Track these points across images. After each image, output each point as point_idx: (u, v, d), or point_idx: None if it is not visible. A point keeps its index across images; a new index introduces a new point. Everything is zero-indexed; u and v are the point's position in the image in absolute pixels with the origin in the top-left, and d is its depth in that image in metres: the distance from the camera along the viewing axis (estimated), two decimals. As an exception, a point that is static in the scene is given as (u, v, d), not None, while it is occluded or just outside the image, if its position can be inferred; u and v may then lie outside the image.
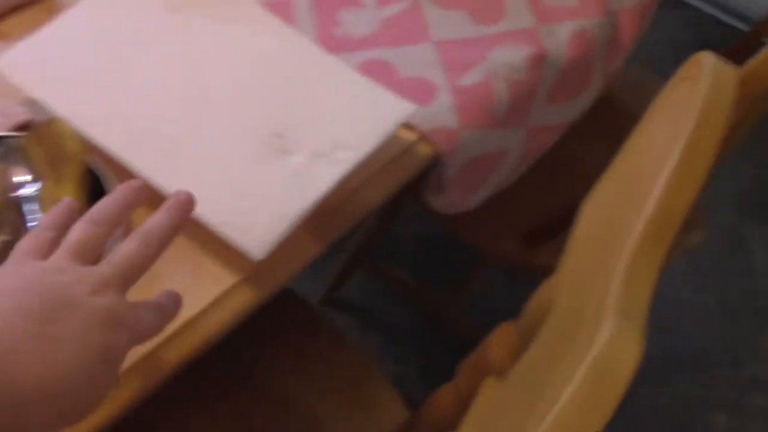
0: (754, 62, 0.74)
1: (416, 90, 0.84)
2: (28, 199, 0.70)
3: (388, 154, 0.80)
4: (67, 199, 0.54)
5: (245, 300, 0.70)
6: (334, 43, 0.88)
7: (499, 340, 0.75)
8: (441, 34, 0.89)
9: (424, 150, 0.82)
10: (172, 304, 0.53)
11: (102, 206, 0.51)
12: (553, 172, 1.22)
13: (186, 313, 0.68)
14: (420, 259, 1.71)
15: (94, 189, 0.66)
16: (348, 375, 1.01)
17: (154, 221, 0.52)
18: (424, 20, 0.91)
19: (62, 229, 0.51)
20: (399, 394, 0.99)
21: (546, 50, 0.89)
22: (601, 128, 1.19)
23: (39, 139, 0.69)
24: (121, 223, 0.53)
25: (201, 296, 0.69)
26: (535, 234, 1.18)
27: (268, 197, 0.69)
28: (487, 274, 1.66)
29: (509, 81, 0.86)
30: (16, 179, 0.71)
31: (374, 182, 0.79)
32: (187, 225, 0.55)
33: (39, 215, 0.67)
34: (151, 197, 0.58)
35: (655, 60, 2.09)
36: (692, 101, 0.50)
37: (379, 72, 0.86)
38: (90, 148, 0.69)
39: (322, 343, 1.02)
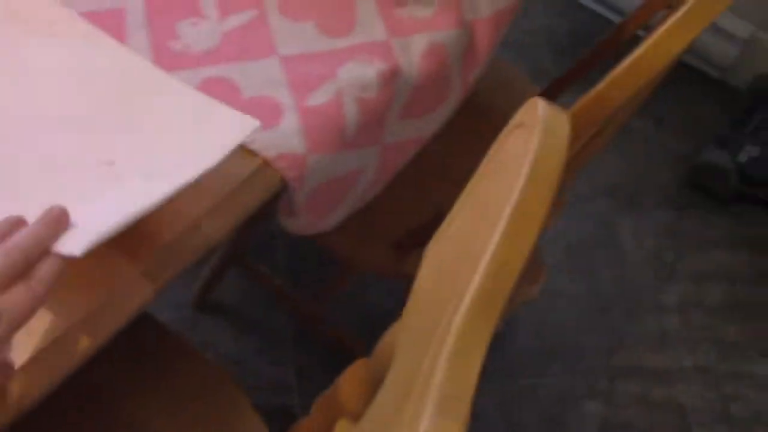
0: (601, 86, 0.73)
1: (261, 111, 0.78)
2: None
3: (230, 182, 0.75)
4: None
5: (67, 357, 0.63)
6: (172, 59, 0.81)
7: (350, 380, 0.72)
8: (288, 48, 0.84)
9: (271, 176, 0.77)
10: (46, 266, 0.55)
11: None
12: (421, 178, 1.19)
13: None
14: (294, 260, 1.67)
15: None
16: (202, 393, 0.96)
17: (24, 233, 0.55)
18: (270, 32, 0.85)
19: None
20: (268, 405, 0.95)
21: (399, 65, 0.85)
22: (469, 131, 1.17)
23: None
24: None
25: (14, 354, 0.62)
26: (404, 241, 1.16)
27: (92, 209, 0.63)
28: (361, 277, 1.63)
29: (360, 100, 0.82)
30: None
31: (217, 213, 0.73)
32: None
33: None
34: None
35: (527, 48, 2.10)
36: (525, 154, 0.48)
37: (220, 92, 0.80)
38: None
39: (174, 360, 0.97)
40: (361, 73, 0.83)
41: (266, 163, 0.76)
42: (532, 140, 0.47)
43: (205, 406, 0.95)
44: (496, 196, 0.49)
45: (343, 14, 0.88)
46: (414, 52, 0.87)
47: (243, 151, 0.76)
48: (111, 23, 0.82)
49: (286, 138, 0.77)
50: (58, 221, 0.58)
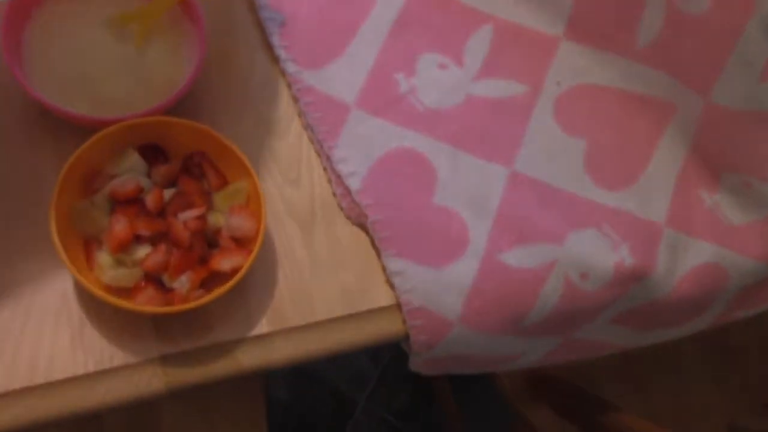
0: None
1: (440, 231, 0.56)
2: None
3: (334, 309, 0.54)
4: None
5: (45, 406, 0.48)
6: (380, 100, 0.60)
7: None
8: (530, 165, 0.60)
9: (391, 324, 0.55)
10: None
11: None
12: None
13: None
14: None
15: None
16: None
17: None
18: (524, 128, 0.61)
19: None
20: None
21: (652, 270, 0.59)
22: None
23: None
24: None
25: None
26: (542, 383, 0.92)
27: None
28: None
29: (571, 286, 0.57)
30: None
31: (298, 335, 0.53)
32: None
33: None
34: None
35: None
36: None
37: (411, 173, 0.58)
38: None
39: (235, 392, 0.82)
40: (597, 253, 0.58)
41: (398, 306, 0.55)
42: None
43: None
44: None
45: (630, 156, 0.62)
46: (683, 263, 0.60)
47: (379, 277, 0.55)
48: (345, 24, 0.61)
49: (444, 289, 0.55)
50: None
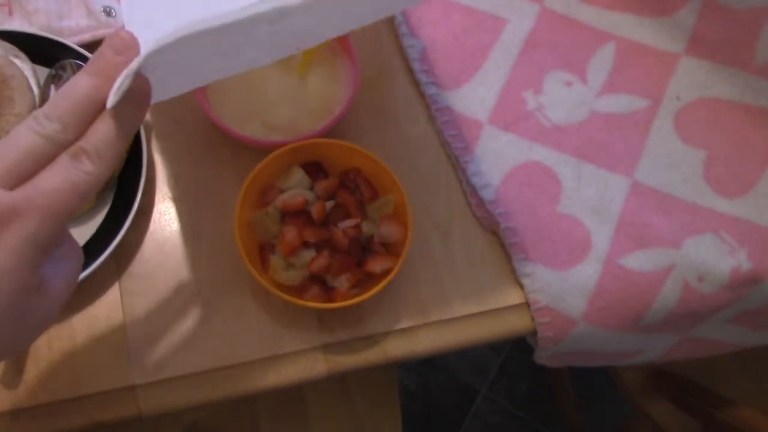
0: None
1: (565, 237, 0.62)
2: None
3: (468, 305, 0.61)
4: None
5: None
6: (517, 114, 0.66)
7: None
8: (650, 173, 0.65)
9: (520, 320, 0.62)
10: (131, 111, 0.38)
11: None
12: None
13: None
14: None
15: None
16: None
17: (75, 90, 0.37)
18: (645, 141, 0.66)
19: None
20: None
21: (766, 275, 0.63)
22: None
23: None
24: None
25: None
26: (662, 377, 0.96)
27: None
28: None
29: (689, 289, 0.62)
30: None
31: (434, 332, 0.61)
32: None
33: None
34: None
35: None
36: None
37: (539, 185, 0.64)
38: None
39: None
40: (713, 258, 0.62)
41: (526, 305, 0.61)
42: None
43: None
44: None
45: (748, 165, 0.65)
46: (800, 267, 0.63)
47: (510, 277, 0.62)
48: (486, 31, 0.68)
49: (568, 289, 0.61)
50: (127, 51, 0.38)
